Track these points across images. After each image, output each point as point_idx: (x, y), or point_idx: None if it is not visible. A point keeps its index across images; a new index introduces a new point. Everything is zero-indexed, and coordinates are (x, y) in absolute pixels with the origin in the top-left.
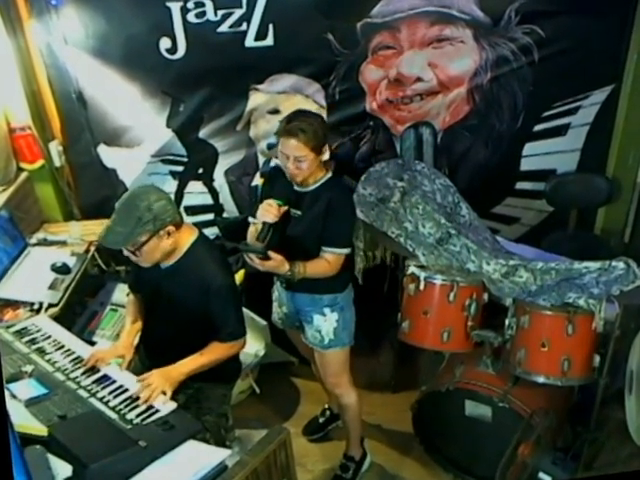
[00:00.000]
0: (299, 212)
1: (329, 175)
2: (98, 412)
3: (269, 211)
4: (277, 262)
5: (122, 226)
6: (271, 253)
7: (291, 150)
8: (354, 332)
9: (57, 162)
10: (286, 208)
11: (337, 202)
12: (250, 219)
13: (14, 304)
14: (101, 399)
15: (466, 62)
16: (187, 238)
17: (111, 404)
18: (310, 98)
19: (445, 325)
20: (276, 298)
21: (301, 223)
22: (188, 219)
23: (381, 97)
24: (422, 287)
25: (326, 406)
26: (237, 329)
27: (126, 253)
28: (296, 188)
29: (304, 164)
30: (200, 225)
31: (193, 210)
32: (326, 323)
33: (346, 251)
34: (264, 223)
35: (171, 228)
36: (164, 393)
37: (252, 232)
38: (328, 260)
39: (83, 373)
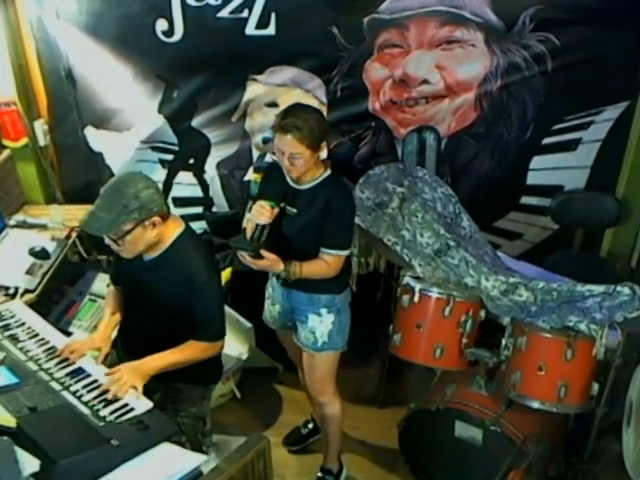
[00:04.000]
0: (295, 210)
1: (327, 173)
2: (70, 406)
3: (262, 213)
4: (270, 261)
5: (106, 212)
6: (264, 252)
7: (286, 146)
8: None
9: (42, 141)
10: (278, 210)
11: (336, 202)
12: (247, 215)
13: None
14: (74, 393)
15: (476, 67)
16: (173, 231)
17: (84, 399)
18: (310, 93)
19: (438, 341)
20: (269, 295)
21: (297, 221)
22: (175, 211)
23: (385, 97)
24: (417, 299)
25: (309, 417)
26: (217, 330)
27: (107, 242)
28: (292, 185)
29: (299, 161)
30: (188, 218)
31: (181, 202)
32: (321, 324)
33: (346, 253)
34: (257, 225)
35: (157, 219)
36: (135, 388)
37: (250, 229)
38: (327, 262)
39: (57, 364)
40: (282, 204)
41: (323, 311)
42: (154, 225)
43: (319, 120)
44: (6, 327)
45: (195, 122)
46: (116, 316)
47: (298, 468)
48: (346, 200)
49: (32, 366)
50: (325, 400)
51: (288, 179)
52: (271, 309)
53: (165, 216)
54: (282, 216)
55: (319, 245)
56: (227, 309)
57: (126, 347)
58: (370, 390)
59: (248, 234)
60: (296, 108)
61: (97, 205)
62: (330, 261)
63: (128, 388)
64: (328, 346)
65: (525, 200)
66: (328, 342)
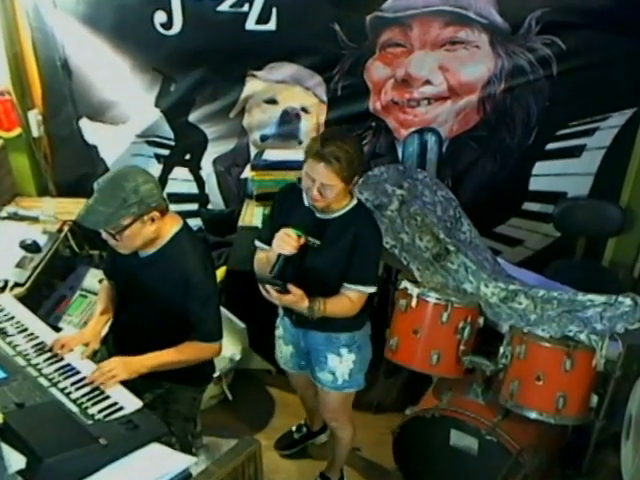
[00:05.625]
0: (318, 242)
1: (354, 202)
2: (58, 403)
3: (288, 242)
4: (297, 297)
5: (105, 206)
6: (291, 287)
7: (319, 176)
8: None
9: (35, 132)
10: (305, 240)
11: (365, 236)
12: (257, 243)
13: None
14: (62, 390)
15: (480, 68)
16: (170, 227)
17: (73, 396)
18: (310, 91)
19: (435, 347)
20: (280, 335)
21: (321, 255)
22: (170, 207)
23: (386, 97)
24: (414, 304)
25: (302, 422)
26: (214, 331)
27: (105, 236)
28: (315, 214)
29: (330, 192)
30: (182, 215)
31: (176, 198)
32: (341, 364)
33: (372, 290)
34: (279, 255)
35: (156, 214)
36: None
37: (262, 259)
38: (351, 298)
39: (46, 360)
40: (306, 238)
41: (343, 351)
42: (153, 220)
43: (358, 153)
44: None
45: (192, 117)
46: (108, 312)
47: (290, 473)
48: (375, 233)
49: (20, 361)
50: (337, 425)
51: (309, 205)
52: (283, 349)
53: (164, 211)
54: (304, 248)
55: (343, 280)
56: (221, 309)
57: (118, 344)
58: (364, 396)
59: (263, 263)
60: (336, 136)
61: (95, 198)
62: (355, 298)
63: (111, 378)
64: (349, 384)
65: (527, 206)
66: (349, 380)
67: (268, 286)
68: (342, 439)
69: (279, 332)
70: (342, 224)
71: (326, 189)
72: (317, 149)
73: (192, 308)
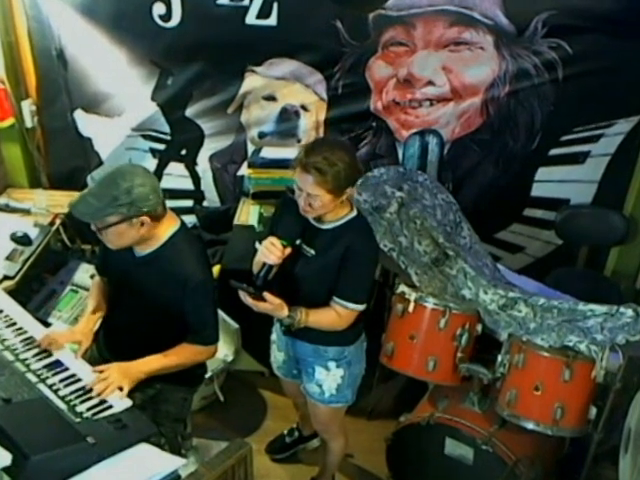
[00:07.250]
0: (312, 251)
1: (353, 214)
2: (46, 400)
3: (272, 252)
4: (274, 305)
5: (96, 199)
6: (267, 295)
7: (304, 186)
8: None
9: (29, 123)
10: (291, 250)
11: (357, 251)
12: (257, 246)
13: None
14: (51, 386)
15: (484, 70)
16: (167, 227)
17: (61, 393)
18: (310, 88)
19: (432, 353)
20: (274, 340)
21: (313, 264)
22: (166, 204)
23: (387, 97)
24: (411, 309)
25: (295, 426)
26: (210, 333)
27: (93, 228)
28: (312, 222)
29: (317, 203)
30: (177, 211)
31: (171, 194)
32: (328, 378)
33: (360, 308)
34: (264, 263)
35: (146, 219)
36: (120, 389)
37: (258, 262)
38: (339, 313)
39: (34, 355)
40: (298, 242)
41: (331, 365)
42: (142, 224)
43: (348, 164)
44: None
45: (189, 112)
46: (100, 309)
47: (280, 478)
48: (369, 248)
49: (8, 356)
50: (328, 437)
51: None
52: (276, 355)
53: (157, 217)
54: (297, 255)
55: (332, 293)
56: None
57: (108, 343)
58: (359, 401)
59: (260, 265)
60: (324, 145)
61: (90, 190)
62: (342, 313)
63: (114, 389)
64: (336, 399)
65: (529, 212)
66: (336, 395)
67: (243, 291)
68: (333, 449)
69: (274, 337)
70: (335, 235)
71: (312, 199)
72: (301, 158)
73: (189, 310)
